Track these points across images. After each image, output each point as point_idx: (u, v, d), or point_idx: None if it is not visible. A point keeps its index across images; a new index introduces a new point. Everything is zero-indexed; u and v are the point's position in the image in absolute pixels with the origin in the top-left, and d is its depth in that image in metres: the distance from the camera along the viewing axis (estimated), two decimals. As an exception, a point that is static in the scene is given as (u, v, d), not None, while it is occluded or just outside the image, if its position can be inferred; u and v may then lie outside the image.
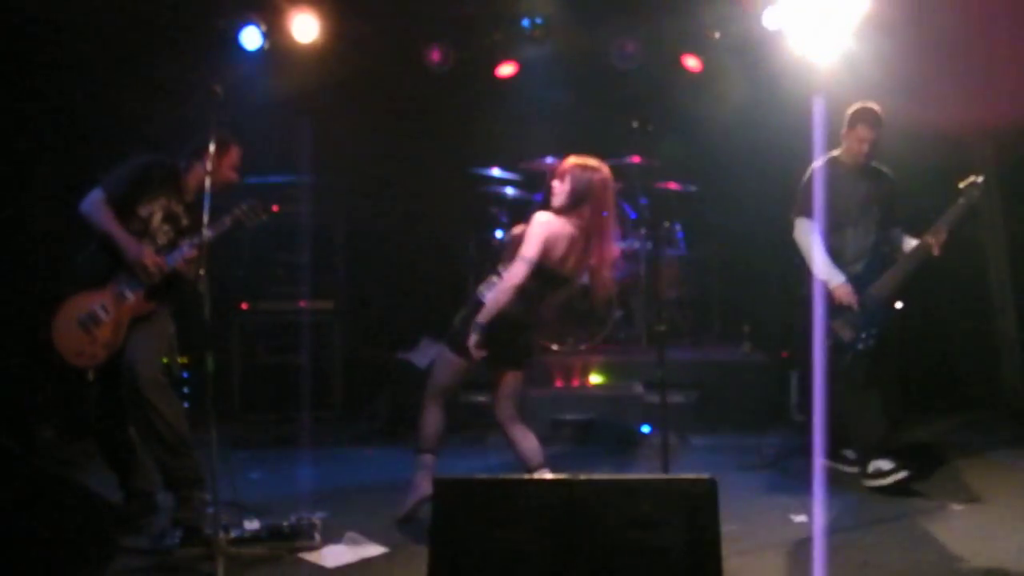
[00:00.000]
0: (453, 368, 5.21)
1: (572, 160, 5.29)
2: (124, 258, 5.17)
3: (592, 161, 5.27)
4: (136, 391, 5.16)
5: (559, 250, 5.09)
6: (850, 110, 6.11)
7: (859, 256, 6.10)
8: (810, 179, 6.17)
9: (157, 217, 5.32)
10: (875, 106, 6.04)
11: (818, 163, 6.19)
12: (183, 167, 5.40)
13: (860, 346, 5.94)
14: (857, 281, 5.97)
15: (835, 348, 5.98)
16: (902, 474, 5.77)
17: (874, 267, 6.04)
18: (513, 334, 5.18)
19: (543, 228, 5.06)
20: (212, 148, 4.99)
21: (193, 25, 8.08)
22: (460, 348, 5.13)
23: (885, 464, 5.84)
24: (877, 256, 6.09)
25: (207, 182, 4.88)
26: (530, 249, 5.02)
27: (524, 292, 5.09)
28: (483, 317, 5.00)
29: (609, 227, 5.28)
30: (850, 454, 6.24)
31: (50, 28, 7.42)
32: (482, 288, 5.18)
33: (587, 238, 5.16)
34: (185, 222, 5.40)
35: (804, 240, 6.14)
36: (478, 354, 5.02)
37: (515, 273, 5.00)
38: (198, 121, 5.16)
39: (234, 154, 5.43)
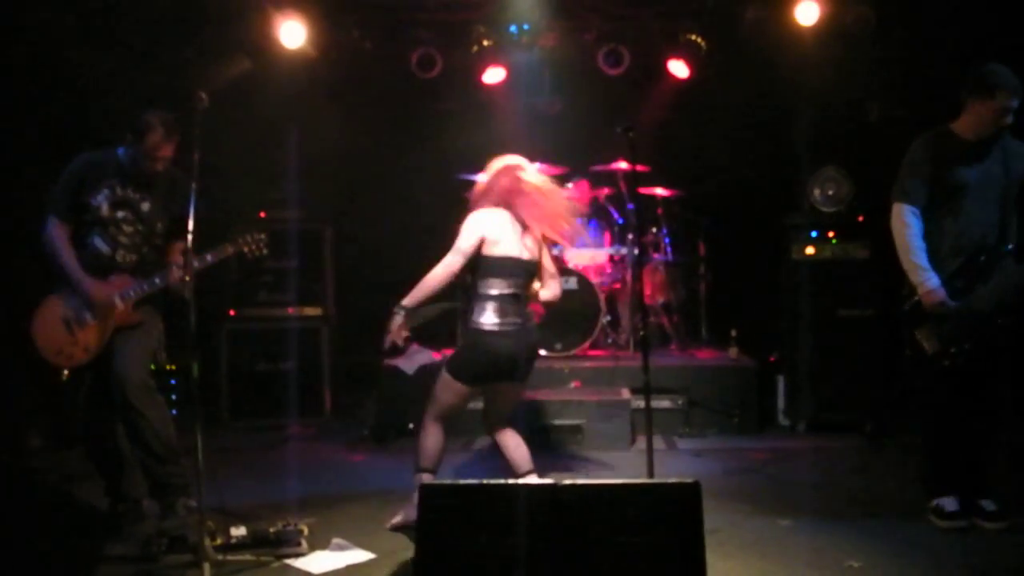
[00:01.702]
0: (456, 393, 5.16)
1: (502, 157, 5.35)
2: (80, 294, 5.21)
3: (514, 158, 5.32)
4: (125, 397, 5.16)
5: (506, 237, 5.13)
6: (979, 74, 5.11)
7: (959, 251, 5.14)
8: (913, 156, 5.26)
9: (105, 207, 5.28)
10: (1006, 67, 5.09)
11: (925, 137, 5.29)
12: (127, 151, 5.34)
13: (946, 362, 5.12)
14: (953, 282, 5.10)
15: (915, 362, 5.27)
16: (960, 523, 5.19)
17: (979, 266, 5.11)
18: (523, 352, 5.22)
19: (479, 219, 5.13)
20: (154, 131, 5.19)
21: (181, 31, 8.08)
22: (463, 375, 5.11)
23: (949, 504, 5.26)
24: (986, 252, 5.12)
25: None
26: (464, 242, 5.07)
27: (509, 295, 5.12)
28: (409, 301, 5.02)
29: (528, 220, 5.22)
30: (989, 505, 5.24)
31: (40, 33, 7.43)
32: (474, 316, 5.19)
33: (522, 221, 5.18)
34: (146, 206, 5.36)
35: (899, 230, 5.20)
36: (397, 336, 5.02)
37: (449, 265, 5.04)
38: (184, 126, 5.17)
39: (154, 137, 5.22)
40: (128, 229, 5.32)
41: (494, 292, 5.09)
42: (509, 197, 5.20)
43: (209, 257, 5.22)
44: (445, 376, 5.17)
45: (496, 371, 5.14)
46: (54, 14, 7.52)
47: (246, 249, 5.36)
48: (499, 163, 5.33)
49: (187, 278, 4.80)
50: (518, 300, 5.16)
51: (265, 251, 5.45)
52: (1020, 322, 5.17)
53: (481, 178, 5.39)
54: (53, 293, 5.27)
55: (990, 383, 5.24)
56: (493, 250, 5.09)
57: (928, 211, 5.20)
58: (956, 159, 5.16)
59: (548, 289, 5.39)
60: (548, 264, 5.39)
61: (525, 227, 5.18)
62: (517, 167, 5.29)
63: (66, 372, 5.22)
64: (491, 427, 5.37)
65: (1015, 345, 5.22)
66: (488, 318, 5.09)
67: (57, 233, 5.25)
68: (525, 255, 5.16)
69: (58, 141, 7.47)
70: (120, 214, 5.31)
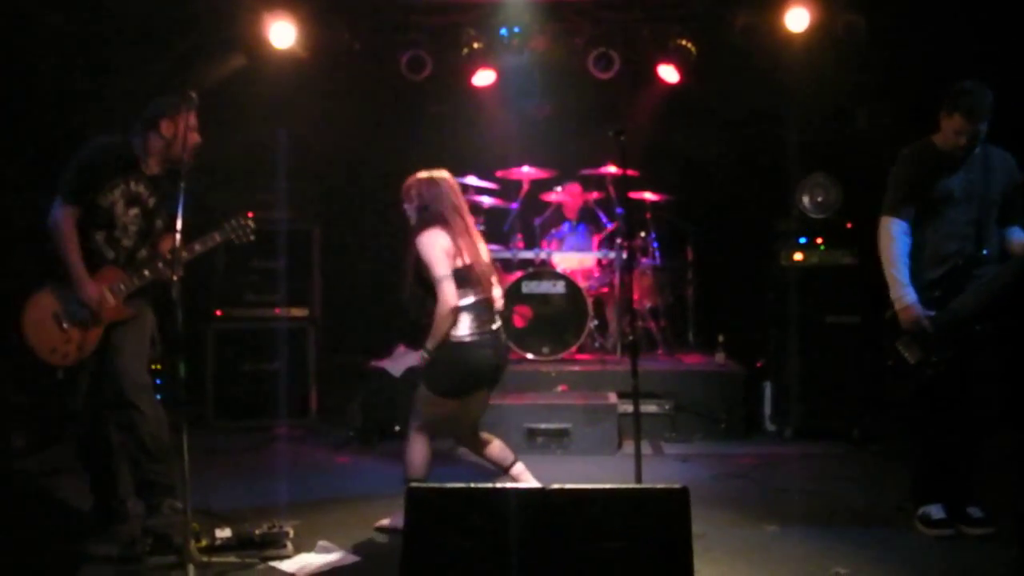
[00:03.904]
0: (440, 406, 5.18)
1: (415, 176, 5.36)
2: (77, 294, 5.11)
3: (435, 172, 5.36)
4: (121, 392, 5.11)
5: (454, 253, 5.14)
6: (951, 90, 5.10)
7: (940, 260, 5.16)
8: (899, 170, 5.29)
9: (119, 205, 5.19)
10: (982, 90, 5.04)
11: (909, 150, 5.33)
12: (138, 141, 5.24)
13: (928, 371, 5.16)
14: (933, 290, 5.15)
15: (898, 372, 5.27)
16: (947, 531, 5.18)
17: (958, 275, 5.13)
18: (500, 359, 5.25)
19: (435, 241, 5.11)
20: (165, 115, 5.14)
21: (173, 30, 8.05)
22: (446, 391, 5.14)
23: (935, 511, 5.25)
24: (965, 261, 5.13)
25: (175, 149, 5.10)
26: (441, 268, 5.05)
27: (481, 302, 5.16)
28: (430, 344, 5.06)
29: (471, 226, 5.30)
30: (975, 512, 5.24)
31: (27, 33, 7.40)
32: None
33: (455, 240, 5.19)
34: (152, 201, 5.28)
35: (885, 243, 5.23)
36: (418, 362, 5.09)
37: (447, 294, 5.02)
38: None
39: (183, 118, 5.18)
40: (134, 228, 5.26)
41: (467, 301, 5.10)
42: (458, 212, 5.25)
43: (197, 246, 5.18)
44: (426, 393, 5.15)
45: (480, 383, 5.18)
46: (42, 14, 7.50)
47: (233, 236, 5.32)
48: (439, 180, 5.33)
49: (175, 278, 4.76)
50: (489, 306, 5.19)
51: (252, 236, 5.38)
52: (1000, 326, 5.19)
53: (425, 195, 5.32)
54: (42, 289, 5.17)
55: (974, 390, 5.23)
56: (455, 262, 5.11)
57: (912, 222, 5.23)
58: (938, 171, 5.18)
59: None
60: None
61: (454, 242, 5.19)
62: (453, 182, 5.36)
63: (61, 372, 5.16)
64: (464, 437, 5.40)
65: (996, 349, 5.23)
66: (465, 329, 5.10)
67: (66, 220, 5.07)
68: (468, 260, 5.19)
69: (47, 141, 7.45)
70: (133, 211, 5.23)
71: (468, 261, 5.14)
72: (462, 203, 5.35)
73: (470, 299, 5.11)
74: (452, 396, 5.14)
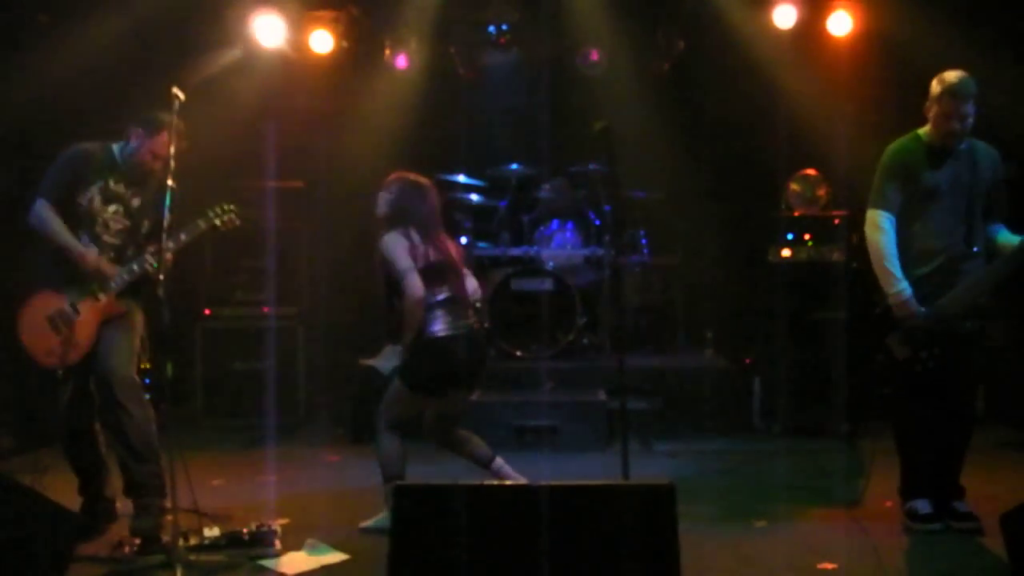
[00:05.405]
0: (412, 403, 5.22)
1: (403, 173, 5.42)
2: (81, 268, 5.11)
3: (420, 177, 5.42)
4: (110, 392, 5.10)
5: (420, 253, 5.19)
6: (936, 80, 5.13)
7: (928, 256, 5.13)
8: (886, 163, 5.26)
9: (96, 201, 5.19)
10: (964, 75, 5.06)
11: (896, 144, 5.31)
12: (121, 145, 5.27)
13: (918, 367, 5.13)
14: (921, 287, 5.10)
15: (887, 367, 5.26)
16: (934, 526, 5.19)
17: (947, 270, 5.11)
18: (477, 354, 5.26)
19: (397, 240, 5.16)
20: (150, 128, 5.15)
21: (160, 28, 8.03)
22: (422, 387, 5.18)
23: (923, 506, 5.25)
24: (954, 257, 5.11)
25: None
26: (404, 262, 5.08)
27: (451, 298, 5.19)
28: (407, 339, 5.08)
29: (440, 232, 5.38)
30: (961, 507, 5.25)
31: (14, 30, 7.38)
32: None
33: (420, 241, 5.24)
34: (136, 201, 5.29)
35: (874, 236, 5.18)
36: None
37: (412, 286, 5.04)
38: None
39: (158, 139, 5.18)
40: (116, 226, 5.24)
41: (440, 297, 5.13)
42: (429, 218, 5.31)
43: (183, 236, 5.17)
44: (402, 389, 5.17)
45: (456, 378, 5.19)
46: (27, 11, 7.48)
47: (218, 222, 5.31)
48: (422, 185, 5.38)
49: (160, 276, 4.76)
50: (462, 302, 5.22)
51: (238, 222, 5.37)
52: (989, 324, 5.21)
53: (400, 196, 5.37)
54: (35, 293, 5.16)
55: (961, 386, 5.26)
56: (420, 261, 5.14)
57: (898, 216, 5.20)
58: (925, 165, 5.15)
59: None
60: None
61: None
62: (433, 192, 5.41)
63: (60, 372, 5.14)
64: (443, 439, 5.43)
65: (984, 347, 5.26)
66: (439, 325, 5.12)
67: (45, 209, 5.11)
68: (435, 258, 5.22)
69: (34, 138, 7.42)
70: (112, 208, 5.23)
71: (434, 259, 5.17)
72: (436, 214, 5.40)
73: (443, 295, 5.14)
74: (427, 392, 5.18)
